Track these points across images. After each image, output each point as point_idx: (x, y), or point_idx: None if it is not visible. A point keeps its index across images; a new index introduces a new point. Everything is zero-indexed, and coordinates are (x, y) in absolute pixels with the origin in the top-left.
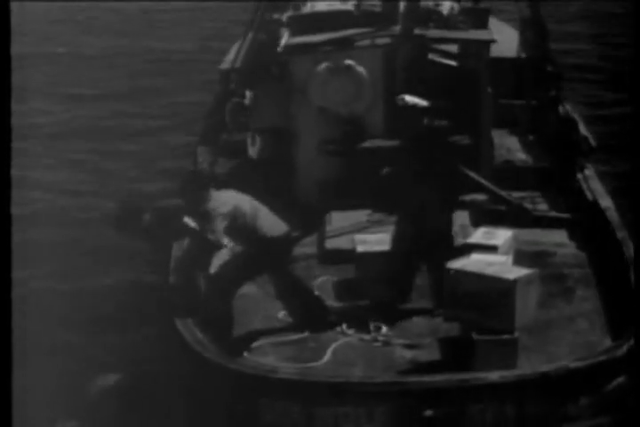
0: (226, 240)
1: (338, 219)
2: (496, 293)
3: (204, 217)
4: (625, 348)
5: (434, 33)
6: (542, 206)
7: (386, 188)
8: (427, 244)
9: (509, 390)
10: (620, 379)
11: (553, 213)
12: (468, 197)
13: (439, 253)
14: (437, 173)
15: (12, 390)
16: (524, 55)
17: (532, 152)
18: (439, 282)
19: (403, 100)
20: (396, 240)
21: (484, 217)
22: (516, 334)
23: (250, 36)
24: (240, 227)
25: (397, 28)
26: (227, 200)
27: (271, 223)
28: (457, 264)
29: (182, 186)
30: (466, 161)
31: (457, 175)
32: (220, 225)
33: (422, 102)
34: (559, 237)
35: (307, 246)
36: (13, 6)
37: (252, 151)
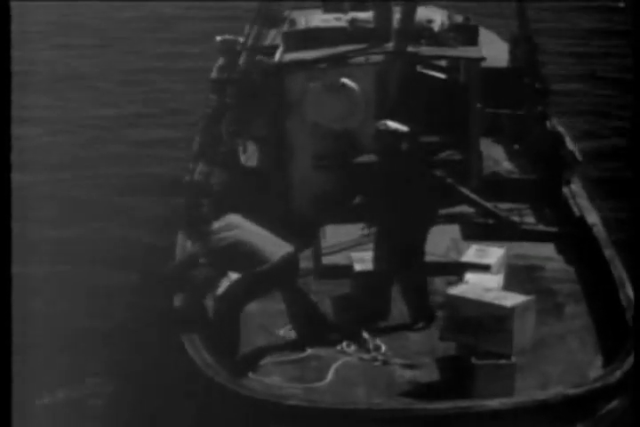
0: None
1: (332, 233)
2: (494, 319)
3: (207, 249)
4: (619, 373)
5: (426, 50)
6: (530, 219)
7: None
8: (401, 261)
9: (509, 417)
10: (615, 402)
11: (540, 227)
12: (456, 210)
13: (412, 269)
14: (415, 194)
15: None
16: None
17: (518, 162)
18: (414, 296)
19: (384, 124)
20: (376, 259)
21: (473, 230)
22: (514, 359)
23: (245, 46)
24: (244, 255)
25: (390, 45)
26: (228, 229)
27: (275, 246)
28: (456, 290)
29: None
30: (454, 174)
31: (434, 196)
32: (221, 256)
33: (402, 128)
34: (547, 250)
35: (303, 261)
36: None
37: (245, 159)
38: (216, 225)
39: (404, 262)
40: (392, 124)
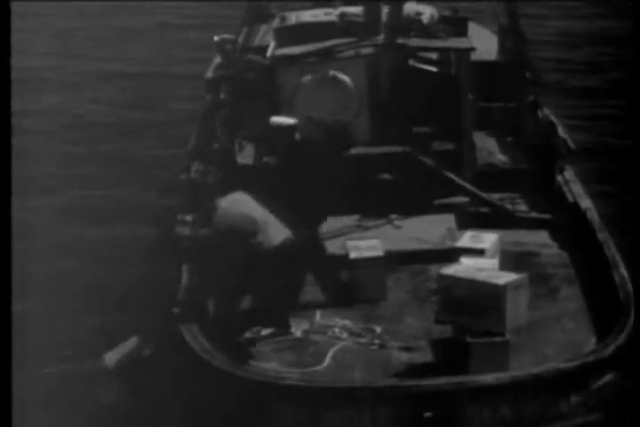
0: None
1: (328, 224)
2: (487, 297)
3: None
4: (612, 347)
5: (416, 42)
6: (523, 207)
7: (374, 193)
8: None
9: (504, 391)
10: (608, 376)
11: (534, 214)
12: (451, 200)
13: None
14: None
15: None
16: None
17: (512, 154)
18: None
19: (273, 122)
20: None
21: (469, 220)
22: (508, 337)
23: (238, 44)
24: (245, 231)
25: (380, 38)
26: (234, 204)
27: (278, 230)
28: (449, 270)
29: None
30: (449, 165)
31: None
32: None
33: (289, 121)
34: (541, 237)
35: None
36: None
37: (240, 158)
38: (222, 201)
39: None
40: (280, 120)
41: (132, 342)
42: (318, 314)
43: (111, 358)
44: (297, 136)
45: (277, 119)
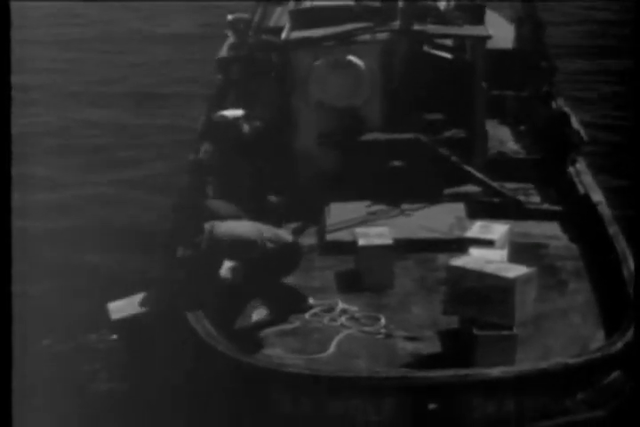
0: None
1: (337, 210)
2: (496, 290)
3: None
4: (620, 344)
5: (432, 29)
6: (534, 198)
7: (384, 179)
8: None
9: (509, 385)
10: (616, 374)
11: (545, 206)
12: (462, 189)
13: None
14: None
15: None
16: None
17: (524, 143)
18: None
19: (221, 116)
20: None
21: (479, 209)
22: (516, 330)
23: (252, 25)
24: (247, 249)
25: (396, 24)
26: (228, 231)
27: (274, 236)
28: (458, 262)
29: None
30: (460, 153)
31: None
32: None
33: (237, 112)
34: (551, 229)
35: (307, 237)
36: None
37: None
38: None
39: None
40: (228, 113)
41: (139, 296)
42: (339, 302)
43: (115, 309)
44: (245, 128)
45: (226, 113)
